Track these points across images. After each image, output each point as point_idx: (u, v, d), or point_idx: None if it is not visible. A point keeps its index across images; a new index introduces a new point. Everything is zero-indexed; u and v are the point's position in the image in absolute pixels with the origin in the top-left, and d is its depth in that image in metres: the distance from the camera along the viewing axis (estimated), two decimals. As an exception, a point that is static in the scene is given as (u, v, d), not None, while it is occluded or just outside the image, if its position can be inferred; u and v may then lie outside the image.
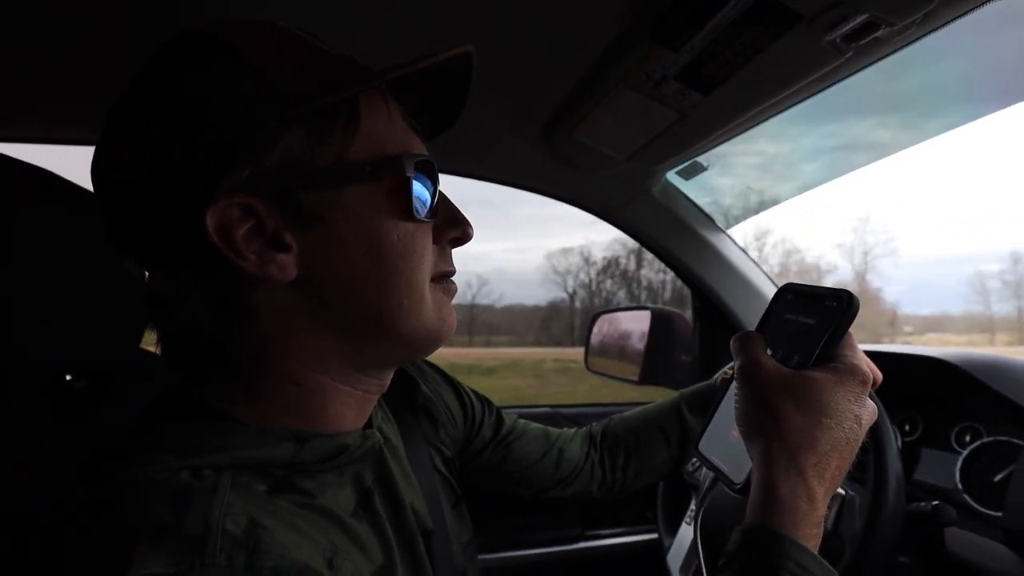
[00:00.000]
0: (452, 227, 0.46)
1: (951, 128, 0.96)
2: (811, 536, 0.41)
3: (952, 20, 0.64)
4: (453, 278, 0.47)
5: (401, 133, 0.43)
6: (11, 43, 0.73)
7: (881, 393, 0.73)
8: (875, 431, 0.69)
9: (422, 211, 0.42)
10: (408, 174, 0.41)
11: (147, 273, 0.43)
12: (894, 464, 0.67)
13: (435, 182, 0.44)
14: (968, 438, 0.86)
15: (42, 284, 0.54)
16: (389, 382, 0.48)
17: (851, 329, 0.47)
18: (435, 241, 0.45)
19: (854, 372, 0.45)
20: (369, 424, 0.49)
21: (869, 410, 0.45)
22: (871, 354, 0.74)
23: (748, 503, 0.43)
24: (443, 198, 0.45)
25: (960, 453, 0.85)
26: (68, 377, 0.61)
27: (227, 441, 0.38)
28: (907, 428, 0.95)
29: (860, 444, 0.44)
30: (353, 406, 0.45)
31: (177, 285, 0.40)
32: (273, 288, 0.39)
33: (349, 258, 0.40)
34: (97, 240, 0.58)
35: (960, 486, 0.83)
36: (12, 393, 0.56)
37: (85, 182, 0.58)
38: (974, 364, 0.85)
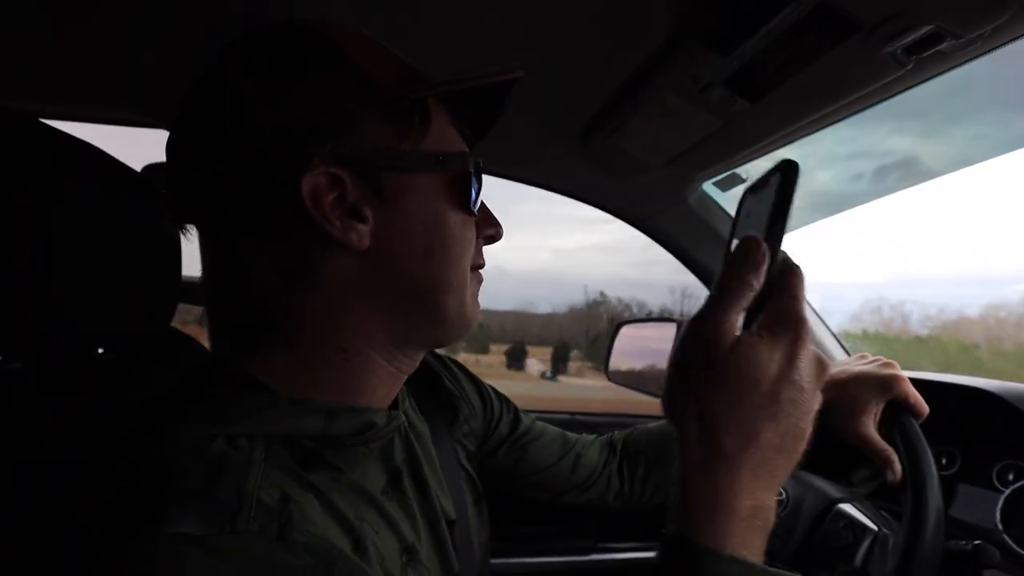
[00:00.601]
0: (489, 226, 0.50)
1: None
2: (745, 543, 0.34)
3: (1021, 36, 0.61)
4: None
5: (456, 135, 0.48)
6: (67, 24, 0.75)
7: (921, 423, 0.70)
8: (915, 462, 0.66)
9: (474, 206, 0.46)
10: (470, 169, 0.45)
11: (216, 239, 0.45)
12: (935, 498, 0.64)
13: (481, 184, 0.47)
14: (1011, 476, 0.82)
15: (80, 257, 0.55)
16: (418, 364, 0.50)
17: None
18: (473, 235, 0.48)
19: (786, 325, 0.36)
20: (395, 407, 0.50)
21: (808, 381, 0.36)
22: (913, 382, 0.71)
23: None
24: (482, 199, 0.49)
25: (1002, 492, 0.81)
26: (100, 351, 0.63)
27: (261, 411, 0.40)
28: (944, 462, 0.91)
29: (801, 425, 0.36)
30: (386, 382, 0.47)
31: (256, 248, 0.42)
32: (345, 255, 0.42)
33: (414, 236, 0.43)
34: (135, 217, 0.60)
35: (1000, 526, 0.78)
36: (44, 362, 0.57)
37: (127, 160, 0.60)
38: (1020, 397, 0.81)
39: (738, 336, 0.36)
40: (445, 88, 0.43)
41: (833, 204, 1.23)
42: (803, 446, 0.37)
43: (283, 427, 0.39)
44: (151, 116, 0.98)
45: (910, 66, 0.62)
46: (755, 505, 0.35)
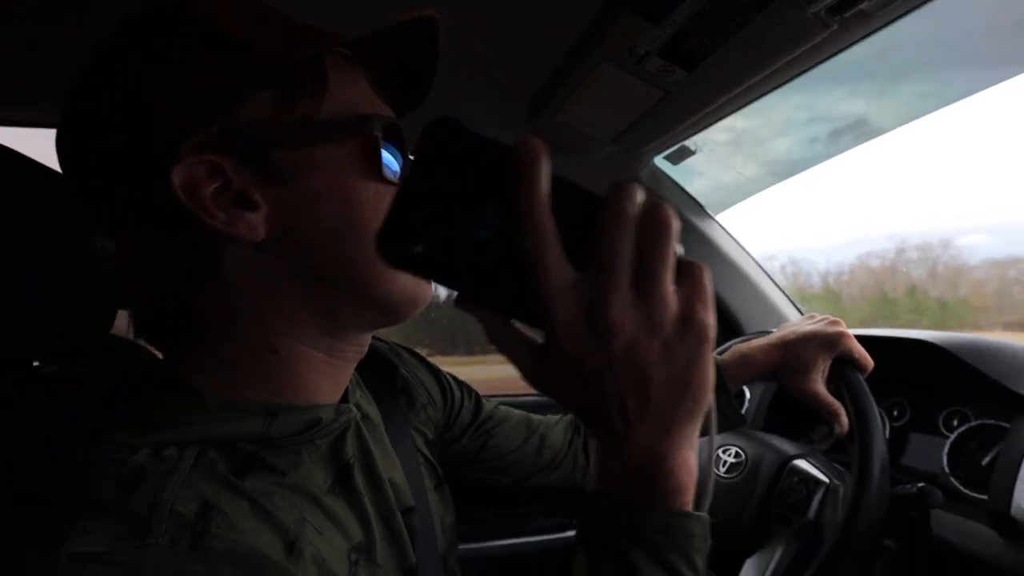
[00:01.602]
0: None
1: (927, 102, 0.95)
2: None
3: (939, -7, 0.62)
4: None
5: (368, 98, 0.43)
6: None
7: (871, 377, 0.72)
8: (860, 414, 0.68)
9: (392, 174, 0.42)
10: (376, 133, 0.41)
11: (115, 243, 0.42)
12: (880, 448, 0.66)
13: (404, 148, 0.43)
14: (956, 422, 0.86)
15: (9, 269, 0.52)
16: (366, 349, 0.47)
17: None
18: None
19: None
20: (345, 400, 0.48)
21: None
22: (860, 338, 0.74)
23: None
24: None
25: (948, 437, 0.84)
26: (35, 364, 0.60)
27: (189, 416, 0.37)
28: (895, 413, 0.94)
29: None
30: (329, 376, 0.44)
31: (146, 248, 0.39)
32: (242, 249, 0.39)
33: (320, 216, 0.39)
34: (65, 223, 0.57)
35: (948, 470, 0.82)
36: None
37: (51, 163, 0.57)
38: (962, 347, 0.84)
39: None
40: (338, 44, 0.39)
41: (790, 170, 1.25)
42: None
43: (216, 432, 0.37)
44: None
45: (834, 27, 0.63)
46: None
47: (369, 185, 0.41)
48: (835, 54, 0.74)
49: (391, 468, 0.51)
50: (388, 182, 0.42)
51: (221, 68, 0.37)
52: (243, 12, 0.39)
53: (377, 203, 0.41)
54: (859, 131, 1.09)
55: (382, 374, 0.62)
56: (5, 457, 0.49)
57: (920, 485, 0.69)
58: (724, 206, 1.28)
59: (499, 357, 0.32)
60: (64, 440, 0.37)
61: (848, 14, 0.61)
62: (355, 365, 0.47)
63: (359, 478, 0.46)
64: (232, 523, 0.33)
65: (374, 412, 0.55)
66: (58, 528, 0.30)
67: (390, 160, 0.42)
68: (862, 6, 0.60)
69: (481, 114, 1.00)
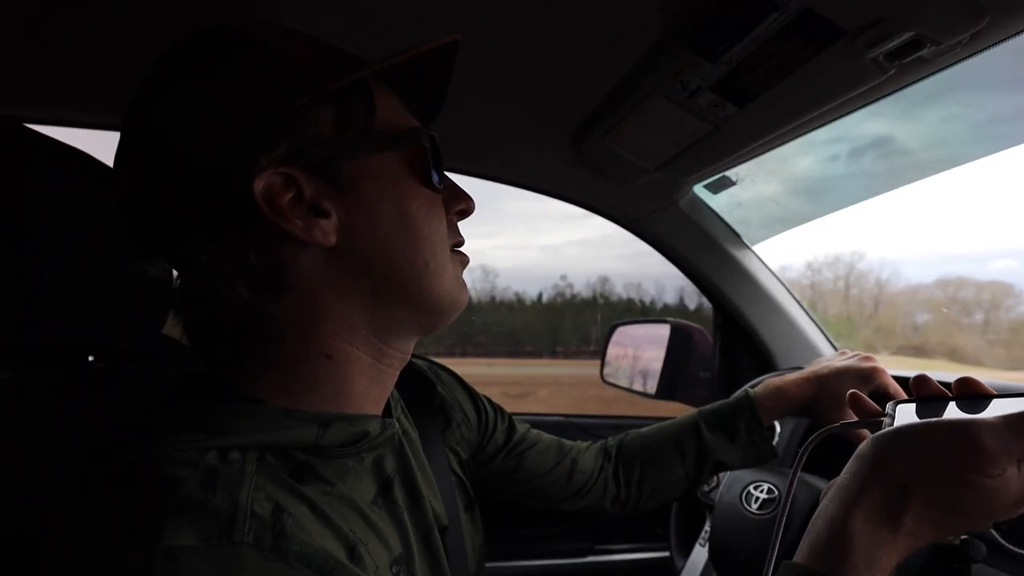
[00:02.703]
0: (458, 200, 0.49)
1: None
2: None
3: (999, 42, 0.62)
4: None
5: (405, 115, 0.47)
6: (49, 30, 0.75)
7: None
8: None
9: (437, 181, 0.45)
10: (425, 144, 0.45)
11: (180, 257, 0.44)
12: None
13: (440, 159, 0.47)
14: (999, 472, 0.83)
15: (69, 265, 0.55)
16: (408, 357, 0.50)
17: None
18: (443, 211, 0.48)
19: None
20: (388, 413, 0.50)
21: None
22: (896, 378, 0.73)
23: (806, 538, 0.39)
24: (445, 175, 0.49)
25: None
26: (90, 358, 0.62)
27: (253, 422, 0.39)
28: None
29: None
30: (377, 382, 0.47)
31: (219, 262, 0.41)
32: (313, 254, 0.41)
33: (381, 223, 0.43)
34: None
35: (989, 522, 0.80)
36: (34, 369, 0.57)
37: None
38: (1004, 391, 0.82)
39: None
40: (380, 67, 0.42)
41: (815, 189, 1.25)
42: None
43: (275, 438, 0.39)
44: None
45: (892, 71, 0.63)
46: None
47: (421, 191, 0.44)
48: (888, 95, 0.74)
49: (428, 487, 0.52)
50: (436, 190, 0.45)
51: (286, 88, 0.40)
52: (297, 41, 0.43)
53: (428, 209, 0.45)
54: (882, 149, 1.07)
55: (421, 392, 0.63)
56: (77, 452, 0.52)
57: (964, 538, 0.68)
58: (763, 237, 1.28)
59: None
60: (130, 435, 0.39)
61: (907, 60, 0.61)
62: (398, 374, 0.49)
63: (400, 492, 0.47)
64: (301, 525, 0.35)
65: (412, 429, 0.57)
66: (149, 524, 0.31)
67: (434, 168, 0.45)
68: (921, 53, 0.60)
69: (527, 136, 1.02)
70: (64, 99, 0.93)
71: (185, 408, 0.41)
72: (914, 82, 0.70)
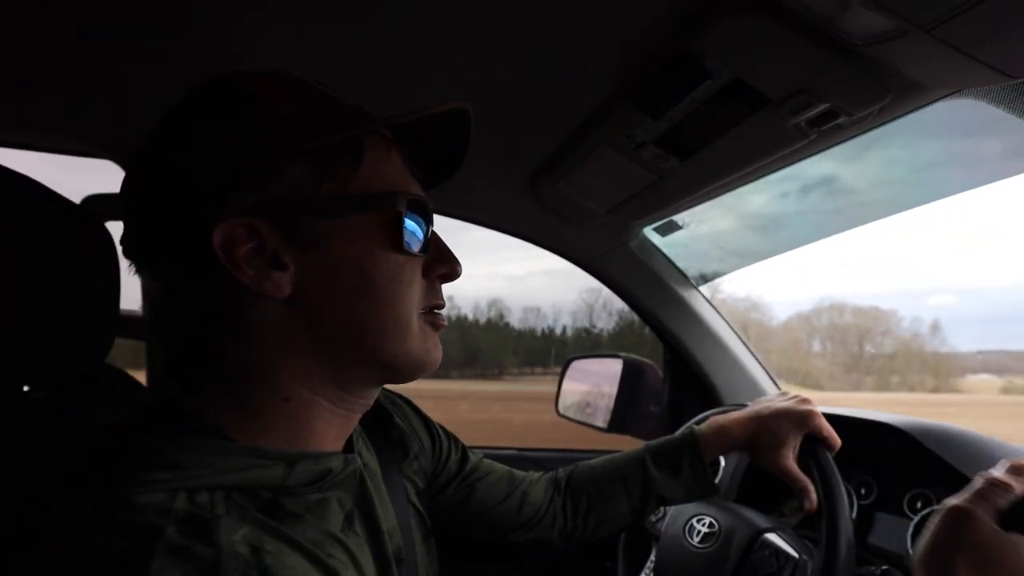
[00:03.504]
0: (442, 264, 0.49)
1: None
2: None
3: (905, 114, 0.70)
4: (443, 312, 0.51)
5: (399, 175, 0.47)
6: (4, 49, 0.74)
7: (840, 455, 0.76)
8: (828, 493, 0.71)
9: (413, 246, 0.46)
10: (400, 210, 0.45)
11: (152, 286, 0.45)
12: (845, 527, 0.69)
13: (428, 221, 0.47)
14: (919, 504, 0.89)
15: (7, 291, 0.53)
16: (372, 403, 0.50)
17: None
18: (425, 276, 0.48)
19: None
20: (350, 449, 0.50)
21: None
22: (829, 416, 0.78)
23: None
24: (436, 237, 0.49)
25: (911, 519, 0.88)
26: (25, 388, 0.60)
27: (219, 460, 0.39)
28: (863, 491, 0.98)
29: None
30: (336, 425, 0.47)
31: (181, 294, 0.42)
32: (268, 304, 0.42)
33: (340, 282, 0.43)
34: (72, 250, 0.58)
35: (911, 552, 0.85)
36: None
37: (60, 190, 0.58)
38: (924, 432, 0.89)
39: (1005, 534, 0.42)
40: (390, 123, 0.43)
41: (768, 225, 1.32)
42: None
43: (243, 478, 0.39)
44: (92, 144, 0.96)
45: (813, 136, 0.70)
46: None
47: (390, 256, 0.44)
48: (812, 155, 0.81)
49: (388, 519, 0.52)
50: (409, 254, 0.45)
51: (264, 141, 0.41)
52: (287, 92, 0.44)
53: (395, 273, 0.45)
54: (828, 187, 1.14)
55: (379, 423, 0.63)
56: (30, 486, 0.50)
57: (884, 567, 0.72)
58: (708, 278, 1.35)
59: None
60: (95, 471, 0.38)
61: (825, 127, 0.68)
62: (360, 417, 0.50)
63: (360, 526, 0.48)
64: (282, 562, 0.35)
65: (372, 460, 0.57)
66: (136, 565, 0.31)
67: (415, 230, 0.46)
68: (838, 121, 0.67)
69: (487, 176, 1.06)
70: (11, 121, 0.91)
71: (150, 442, 0.40)
72: (833, 145, 0.78)
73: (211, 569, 0.32)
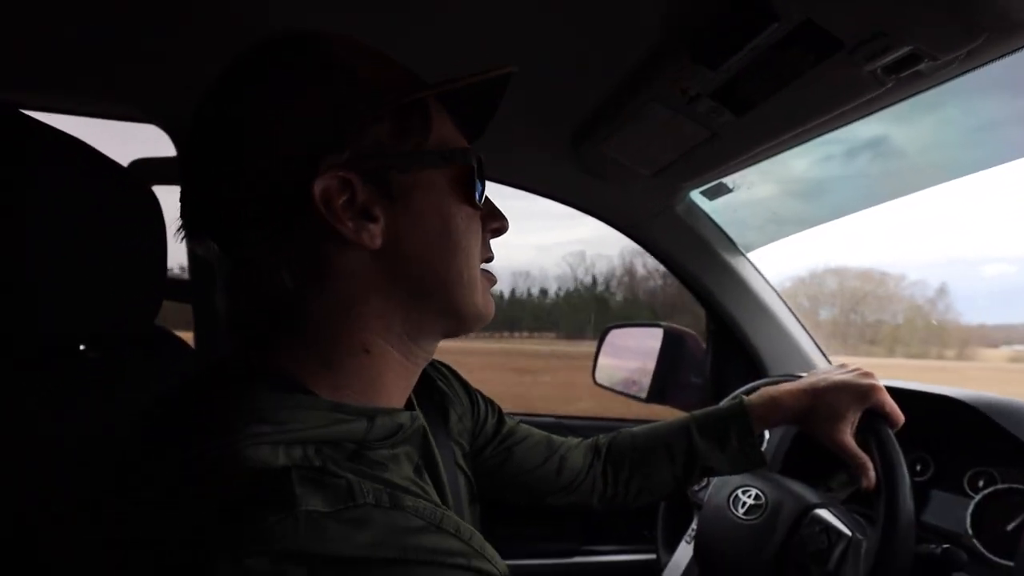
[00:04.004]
0: (494, 219, 0.51)
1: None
2: None
3: (996, 58, 0.63)
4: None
5: (456, 135, 0.49)
6: (51, 14, 0.74)
7: (896, 431, 0.72)
8: (889, 472, 0.68)
9: (479, 199, 0.48)
10: (472, 164, 0.47)
11: (230, 241, 0.45)
12: (906, 506, 0.66)
13: (483, 179, 0.49)
14: (982, 483, 0.84)
15: (62, 253, 0.54)
16: (432, 355, 0.52)
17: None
18: (480, 228, 0.50)
19: None
20: (411, 406, 0.52)
21: None
22: (890, 390, 0.74)
23: None
24: (486, 194, 0.50)
25: (973, 498, 0.83)
26: (82, 347, 0.62)
27: (308, 415, 0.40)
28: (918, 468, 0.93)
29: None
30: (404, 377, 0.49)
31: (269, 247, 0.43)
32: (359, 254, 0.44)
33: (425, 232, 0.45)
34: (120, 213, 0.59)
35: (971, 531, 0.81)
36: (24, 359, 0.57)
37: (112, 154, 0.59)
38: (993, 407, 0.84)
39: None
40: (444, 88, 0.45)
41: (811, 191, 1.25)
42: None
43: (330, 433, 0.40)
44: (138, 110, 0.97)
45: (890, 84, 0.64)
46: None
47: (463, 208, 0.47)
48: (885, 107, 0.75)
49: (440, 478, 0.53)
50: (477, 208, 0.48)
51: (355, 103, 0.43)
52: (368, 57, 0.46)
53: (468, 224, 0.47)
54: (877, 150, 1.07)
55: (423, 386, 0.63)
56: (71, 441, 0.51)
57: (945, 547, 0.69)
58: (757, 245, 1.29)
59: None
60: (191, 430, 0.39)
61: (904, 74, 0.62)
62: (420, 372, 0.51)
63: (428, 478, 0.49)
64: (392, 493, 0.37)
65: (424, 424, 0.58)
66: (282, 492, 0.33)
67: (478, 183, 0.48)
68: (919, 67, 0.61)
69: (526, 137, 1.02)
70: (62, 86, 0.92)
71: (240, 397, 0.40)
72: (911, 95, 0.71)
73: (348, 492, 0.34)
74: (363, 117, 0.42)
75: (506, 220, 0.52)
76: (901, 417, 0.72)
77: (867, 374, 0.74)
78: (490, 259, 0.52)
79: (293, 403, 0.40)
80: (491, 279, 0.52)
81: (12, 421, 0.53)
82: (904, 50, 0.59)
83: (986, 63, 0.64)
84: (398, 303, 0.46)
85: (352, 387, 0.45)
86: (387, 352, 0.46)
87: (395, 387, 0.48)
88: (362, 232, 0.43)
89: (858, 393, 0.71)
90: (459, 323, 0.50)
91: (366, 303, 0.45)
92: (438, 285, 0.47)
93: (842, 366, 0.78)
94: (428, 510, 0.37)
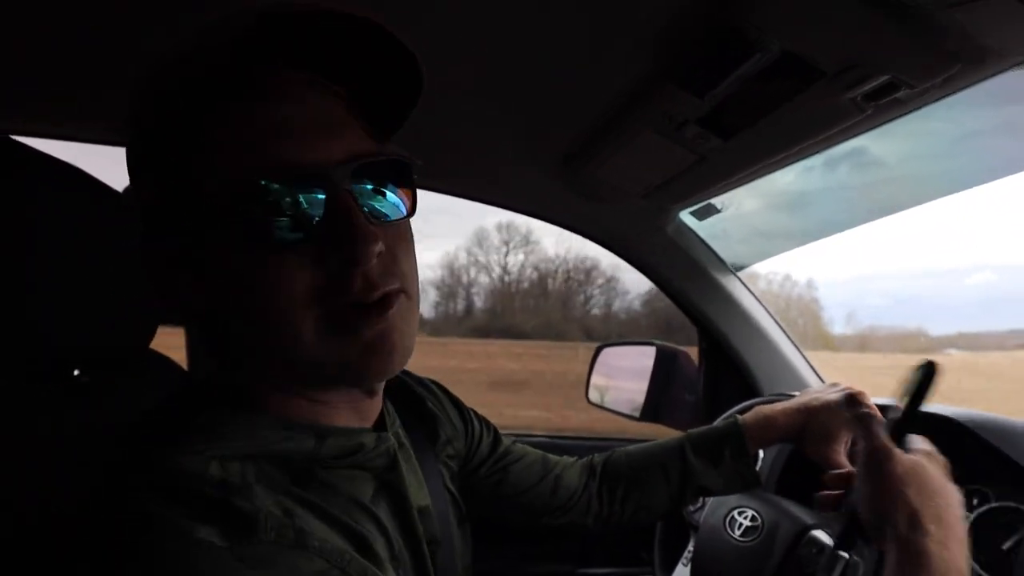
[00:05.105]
0: (337, 248, 0.38)
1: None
2: None
3: (973, 84, 0.65)
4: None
5: (272, 136, 0.38)
6: (40, 41, 0.75)
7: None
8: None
9: (288, 234, 0.37)
10: (266, 196, 0.36)
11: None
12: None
13: (328, 190, 0.38)
14: (975, 502, 0.85)
15: (57, 277, 0.54)
16: (377, 388, 0.48)
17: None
18: (321, 265, 0.38)
19: (935, 456, 0.56)
20: (383, 427, 0.50)
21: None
22: (880, 407, 0.74)
23: None
24: (344, 210, 0.38)
25: (967, 517, 0.83)
26: (76, 372, 0.62)
27: (252, 431, 0.40)
28: (912, 486, 0.93)
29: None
30: (346, 410, 0.46)
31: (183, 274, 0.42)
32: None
33: (221, 296, 0.39)
34: (114, 237, 0.59)
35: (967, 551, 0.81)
36: (17, 381, 0.57)
37: (105, 178, 0.60)
38: (984, 425, 0.84)
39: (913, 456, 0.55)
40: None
41: (794, 202, 1.26)
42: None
43: (275, 449, 0.39)
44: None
45: (869, 111, 0.66)
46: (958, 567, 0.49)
47: (259, 253, 0.37)
48: (866, 131, 0.77)
49: (422, 498, 0.52)
50: (285, 247, 0.37)
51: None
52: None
53: (266, 274, 0.37)
54: (856, 160, 1.07)
55: (411, 407, 0.63)
56: (56, 461, 0.51)
57: None
58: (747, 264, 1.30)
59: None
60: (141, 446, 0.39)
61: (883, 101, 0.64)
62: (373, 399, 0.48)
63: (389, 502, 0.48)
64: (309, 524, 0.36)
65: (407, 443, 0.57)
66: (179, 520, 0.33)
67: (293, 208, 0.37)
68: (897, 95, 0.63)
69: (518, 159, 1.03)
70: (54, 113, 0.93)
71: (188, 414, 0.41)
72: (891, 119, 0.73)
73: (248, 524, 0.33)
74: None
75: (358, 244, 0.38)
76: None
77: (859, 394, 0.74)
78: (349, 302, 0.39)
79: (239, 419, 0.40)
80: (348, 323, 0.39)
81: (11, 425, 0.53)
82: (882, 79, 0.61)
83: (961, 89, 0.66)
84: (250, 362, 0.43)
85: (302, 407, 0.43)
86: (303, 393, 0.43)
87: (344, 417, 0.45)
88: (188, 297, 0.41)
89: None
90: (330, 381, 0.43)
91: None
92: (262, 355, 0.42)
93: (834, 385, 0.79)
94: (335, 552, 0.36)
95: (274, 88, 0.39)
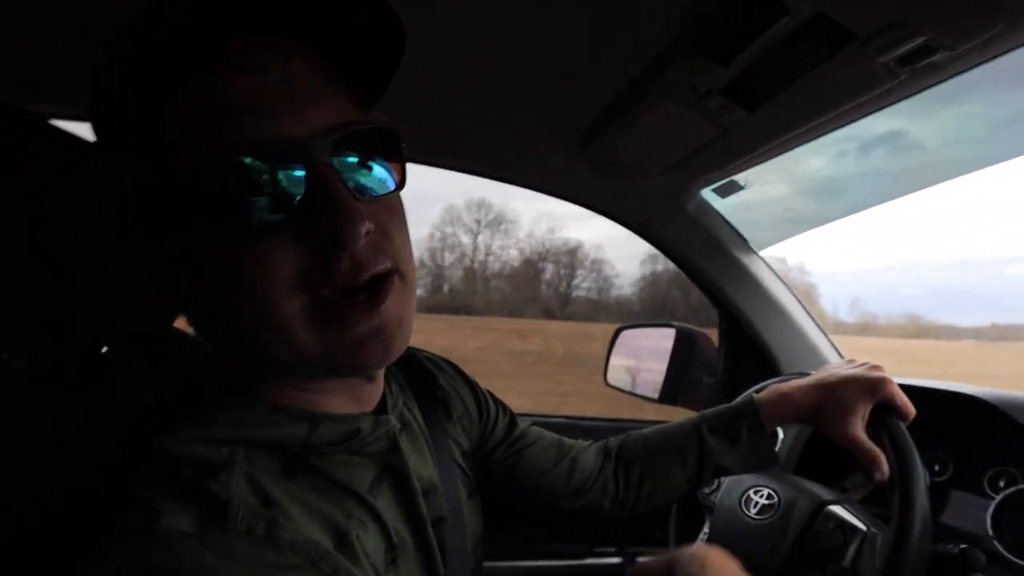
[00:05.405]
0: (318, 225, 0.35)
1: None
2: None
3: (1012, 49, 0.62)
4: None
5: (242, 111, 0.35)
6: (75, 25, 0.76)
7: (912, 428, 0.71)
8: (902, 463, 0.67)
9: (267, 215, 0.34)
10: (242, 176, 0.34)
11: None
12: (921, 501, 0.65)
13: (307, 165, 0.35)
14: (1003, 483, 0.83)
15: (88, 258, 0.55)
16: (377, 373, 0.47)
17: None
18: (305, 246, 0.36)
19: None
20: (384, 410, 0.49)
21: None
22: (905, 387, 0.72)
23: None
24: (324, 185, 0.35)
25: (993, 498, 0.82)
26: (104, 349, 0.63)
27: (243, 416, 0.40)
28: (937, 468, 0.92)
29: None
30: (343, 396, 0.45)
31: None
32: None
33: (208, 282, 0.38)
34: None
35: (991, 533, 0.79)
36: (49, 360, 0.58)
37: None
38: (1014, 405, 0.82)
39: None
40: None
41: (823, 188, 1.23)
42: None
43: (264, 436, 0.39)
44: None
45: (904, 76, 0.63)
46: None
47: (240, 236, 0.35)
48: (899, 100, 0.74)
49: (428, 476, 0.52)
50: (263, 227, 0.35)
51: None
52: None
53: (246, 258, 0.35)
54: (893, 144, 1.02)
55: (423, 383, 0.63)
56: (86, 441, 0.52)
57: (963, 547, 0.67)
58: (770, 242, 1.28)
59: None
60: (143, 427, 0.40)
61: (919, 65, 0.61)
62: (366, 388, 0.46)
63: (390, 485, 0.47)
64: (290, 516, 0.36)
65: (417, 419, 0.57)
66: (151, 507, 0.33)
67: (271, 186, 0.34)
68: (933, 59, 0.60)
69: (536, 136, 1.02)
70: (73, 93, 0.94)
71: (187, 403, 0.41)
72: (925, 88, 0.70)
73: (219, 513, 0.33)
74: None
75: (342, 223, 0.35)
76: (912, 410, 0.71)
77: (876, 367, 0.73)
78: (334, 286, 0.37)
79: (231, 404, 0.40)
80: (334, 312, 0.38)
81: (35, 420, 0.54)
82: (919, 40, 0.58)
83: (1001, 54, 0.63)
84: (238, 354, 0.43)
85: (294, 395, 0.42)
86: (304, 377, 0.42)
87: (340, 404, 0.44)
88: (178, 283, 0.40)
89: (867, 386, 0.70)
90: (322, 372, 0.41)
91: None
92: (248, 345, 0.40)
93: (851, 361, 0.77)
94: (309, 546, 0.35)
95: (240, 55, 0.36)
